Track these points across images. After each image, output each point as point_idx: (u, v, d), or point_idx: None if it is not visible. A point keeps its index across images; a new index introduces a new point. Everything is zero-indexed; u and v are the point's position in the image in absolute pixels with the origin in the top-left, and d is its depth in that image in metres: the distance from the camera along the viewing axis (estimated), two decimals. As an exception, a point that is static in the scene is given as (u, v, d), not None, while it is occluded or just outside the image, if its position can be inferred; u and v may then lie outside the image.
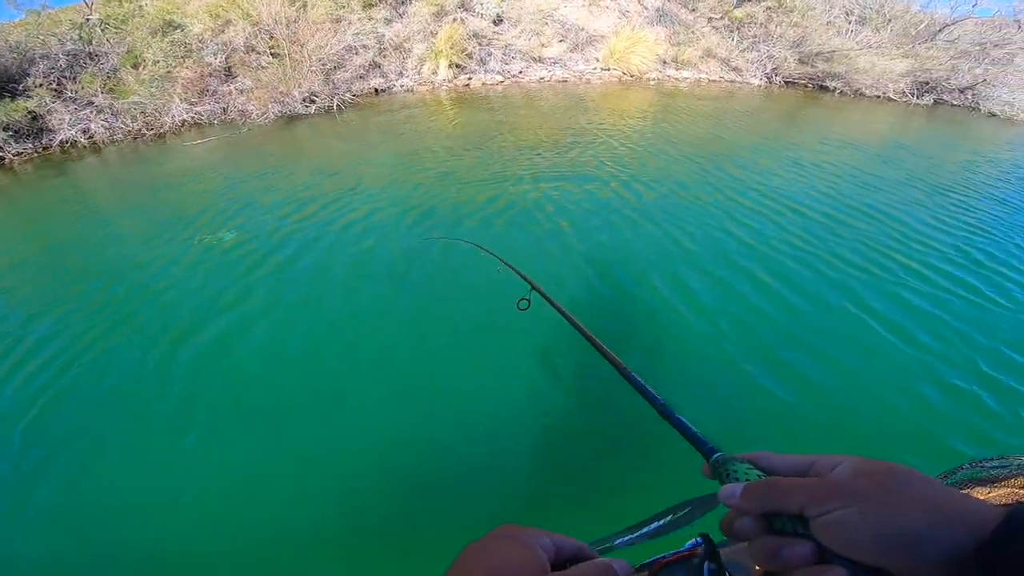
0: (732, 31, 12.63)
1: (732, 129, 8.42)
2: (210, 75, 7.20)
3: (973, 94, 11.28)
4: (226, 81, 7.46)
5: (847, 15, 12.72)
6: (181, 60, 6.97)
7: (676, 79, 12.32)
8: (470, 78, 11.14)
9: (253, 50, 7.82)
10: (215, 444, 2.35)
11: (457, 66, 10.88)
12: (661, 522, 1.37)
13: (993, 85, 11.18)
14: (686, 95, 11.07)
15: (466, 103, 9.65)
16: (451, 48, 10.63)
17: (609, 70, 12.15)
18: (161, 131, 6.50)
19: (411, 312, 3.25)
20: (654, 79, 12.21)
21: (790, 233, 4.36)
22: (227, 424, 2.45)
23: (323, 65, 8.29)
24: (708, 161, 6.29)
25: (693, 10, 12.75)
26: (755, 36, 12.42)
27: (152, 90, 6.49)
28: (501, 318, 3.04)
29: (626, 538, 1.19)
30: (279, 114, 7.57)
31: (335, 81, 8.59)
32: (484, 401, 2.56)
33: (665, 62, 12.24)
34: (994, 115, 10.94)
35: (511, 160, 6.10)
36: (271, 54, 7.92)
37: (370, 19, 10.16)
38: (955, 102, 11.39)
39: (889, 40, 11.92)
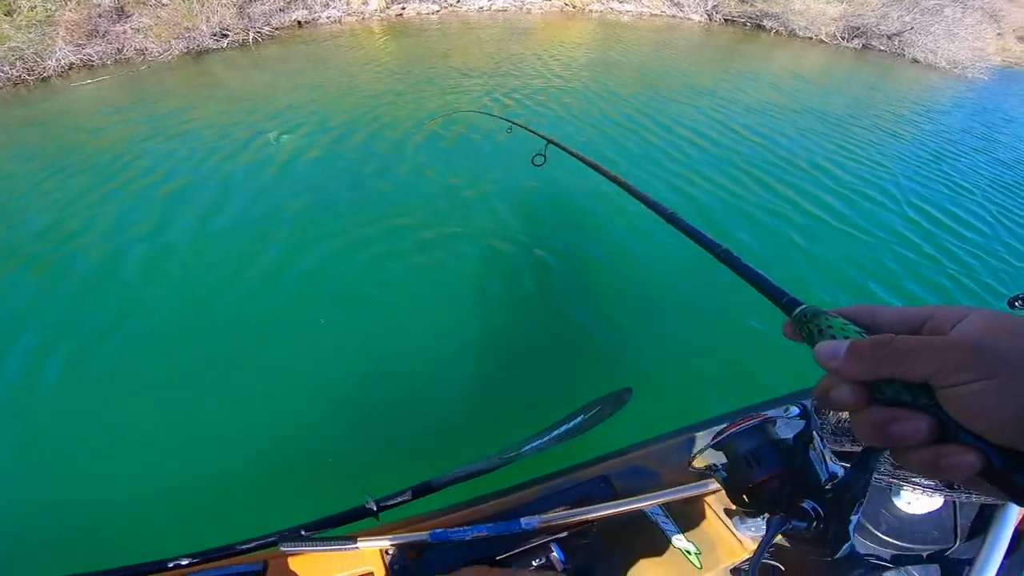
0: (672, -35, 12.30)
1: (668, 60, 8.69)
2: (99, 16, 6.70)
3: (900, 40, 11.54)
4: (119, 21, 6.98)
5: None
6: (63, 3, 6.45)
7: (618, 12, 12.13)
8: (404, 7, 10.62)
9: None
10: (155, 385, 2.35)
11: None
12: (571, 424, 1.37)
13: (919, 33, 11.43)
14: (627, 27, 11.00)
15: (400, 33, 9.33)
16: None
17: (550, 1, 11.83)
18: (44, 75, 6.16)
19: (340, 234, 3.40)
20: (596, 11, 12.02)
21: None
22: (163, 364, 2.45)
23: (234, -2, 7.79)
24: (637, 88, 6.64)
25: None
26: (695, -29, 12.15)
27: (30, 35, 6.07)
28: (434, 248, 3.31)
29: (534, 443, 1.21)
30: (185, 50, 7.18)
31: (251, 14, 8.10)
32: (425, 327, 2.74)
33: None
34: (917, 61, 11.30)
35: (450, 81, 6.29)
36: None
37: (287, -56, 9.38)
38: (882, 48, 11.64)
39: None
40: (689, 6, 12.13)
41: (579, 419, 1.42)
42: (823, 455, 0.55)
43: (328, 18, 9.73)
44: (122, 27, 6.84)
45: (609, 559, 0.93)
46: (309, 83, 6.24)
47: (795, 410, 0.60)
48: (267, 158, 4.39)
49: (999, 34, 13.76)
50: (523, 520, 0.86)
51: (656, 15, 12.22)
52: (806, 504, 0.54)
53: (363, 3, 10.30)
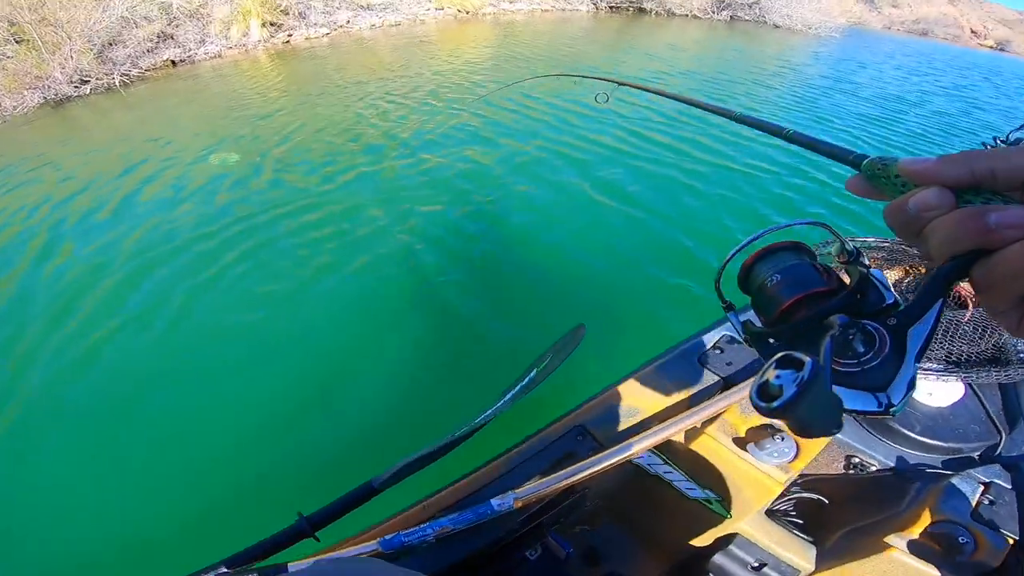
0: (555, -41, 12.75)
1: (561, 48, 8.87)
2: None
3: (760, 8, 12.73)
4: None
5: None
6: None
7: (511, 12, 12.33)
8: (290, 35, 9.97)
9: (-12, 42, 6.42)
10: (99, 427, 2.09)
11: (272, 24, 9.69)
12: (526, 380, 1.20)
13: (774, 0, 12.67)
14: (522, 24, 11.21)
15: (289, 58, 8.79)
16: (262, 5, 9.42)
17: (443, 9, 11.75)
18: None
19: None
20: (490, 13, 12.12)
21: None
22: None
23: (91, 43, 7.04)
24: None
25: None
26: (576, -37, 12.67)
27: None
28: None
29: (488, 412, 1.03)
30: (42, 100, 6.39)
31: (113, 59, 7.36)
32: (347, 315, 2.55)
33: None
34: (778, 27, 12.54)
35: (351, 97, 5.83)
36: (15, 40, 6.57)
37: (147, -14, 8.67)
38: (747, 17, 12.79)
39: None
40: (575, -2, 12.64)
41: (532, 373, 1.25)
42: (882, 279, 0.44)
43: (207, 54, 9.02)
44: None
45: (618, 533, 0.80)
46: (190, 117, 5.58)
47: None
48: (173, 187, 3.81)
49: None
50: (494, 501, 0.70)
51: (547, 10, 12.58)
52: (867, 324, 0.42)
53: (243, 35, 9.65)
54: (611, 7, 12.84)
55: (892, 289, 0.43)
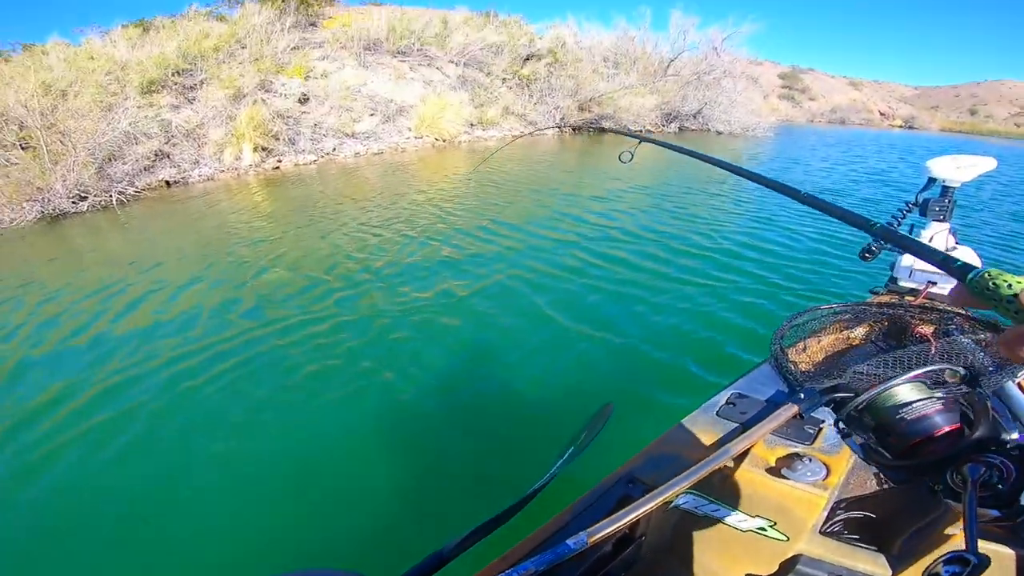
0: (523, 87, 14.57)
1: (532, 171, 9.60)
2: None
3: (702, 117, 14.79)
4: None
5: (604, 61, 15.60)
6: None
7: (484, 139, 13.60)
8: (280, 160, 10.54)
9: (-3, 144, 6.64)
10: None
11: (264, 149, 10.25)
12: (568, 453, 1.39)
13: (713, 107, 14.77)
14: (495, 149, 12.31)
15: (278, 184, 9.03)
16: (255, 130, 10.01)
17: (422, 138, 12.68)
18: None
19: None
20: (465, 141, 13.23)
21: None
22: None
23: (93, 156, 7.37)
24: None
25: (488, 73, 14.37)
26: (542, 90, 14.54)
27: None
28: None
29: (545, 477, 1.22)
30: (40, 214, 6.44)
31: (112, 175, 7.65)
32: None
33: (472, 124, 13.43)
34: (720, 133, 14.46)
35: (334, 226, 5.82)
36: (21, 147, 6.82)
37: (152, 105, 9.38)
38: (693, 127, 14.77)
39: (637, 80, 14.98)
40: (542, 122, 14.28)
41: (572, 448, 1.47)
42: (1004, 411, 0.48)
43: (200, 176, 9.39)
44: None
45: None
46: (179, 241, 5.53)
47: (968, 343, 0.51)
48: (154, 312, 3.70)
49: (765, 96, 18.32)
50: (570, 541, 0.75)
51: (517, 136, 14.07)
52: (991, 457, 0.46)
53: (236, 158, 10.17)
54: (574, 129, 14.60)
55: (1012, 416, 0.46)
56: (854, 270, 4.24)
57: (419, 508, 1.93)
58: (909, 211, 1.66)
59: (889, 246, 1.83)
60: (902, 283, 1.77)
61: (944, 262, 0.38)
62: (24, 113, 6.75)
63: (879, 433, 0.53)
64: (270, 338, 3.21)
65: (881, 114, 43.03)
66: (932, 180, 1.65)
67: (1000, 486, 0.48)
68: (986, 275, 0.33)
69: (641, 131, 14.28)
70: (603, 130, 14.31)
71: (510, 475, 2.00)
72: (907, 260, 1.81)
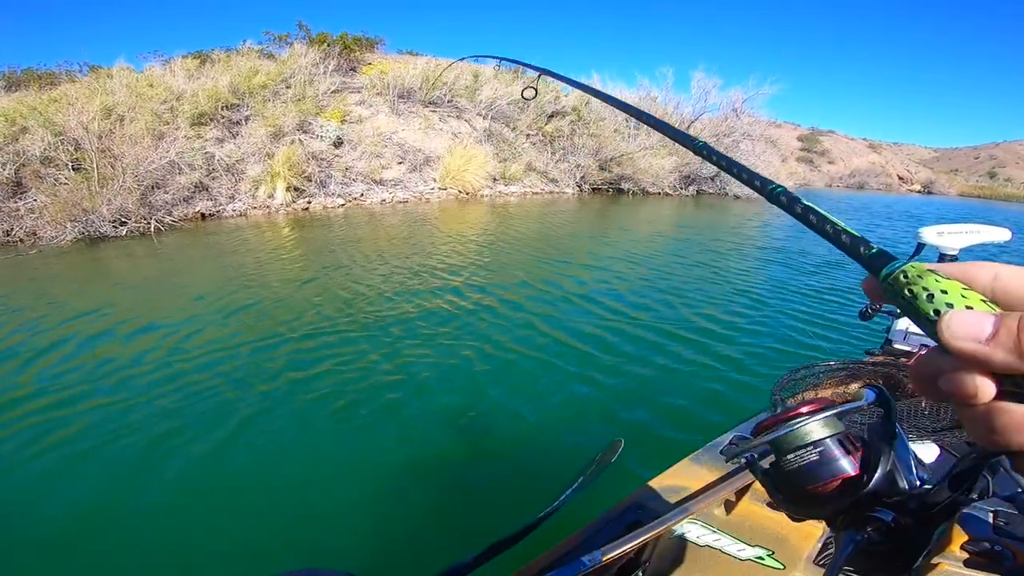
0: (546, 144, 14.95)
1: (551, 230, 9.90)
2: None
3: (720, 180, 15.19)
4: (14, 196, 6.26)
5: (626, 121, 15.68)
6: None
7: (506, 194, 13.77)
8: (310, 201, 10.84)
9: (51, 162, 6.76)
10: None
11: (296, 189, 10.58)
12: (577, 482, 1.41)
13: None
14: (516, 206, 12.47)
15: (305, 225, 9.12)
16: (289, 170, 10.36)
17: (446, 189, 12.97)
18: None
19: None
20: (487, 195, 13.44)
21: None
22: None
23: (139, 183, 7.50)
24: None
25: (514, 128, 14.82)
26: (564, 148, 14.90)
27: None
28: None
29: (554, 504, 1.24)
30: (80, 235, 6.45)
31: (153, 203, 7.77)
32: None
33: (495, 179, 13.69)
34: (738, 197, 14.84)
35: (360, 273, 5.79)
36: (73, 167, 6.94)
37: (199, 137, 9.66)
38: (710, 190, 15.17)
39: (657, 141, 15.15)
40: (563, 180, 14.70)
41: (581, 478, 1.56)
42: (907, 457, 0.45)
43: (234, 211, 9.59)
44: (15, 204, 6.06)
45: None
46: (207, 277, 5.56)
47: (870, 394, 0.47)
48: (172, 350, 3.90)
49: (783, 159, 18.75)
50: (585, 558, 0.81)
51: (537, 193, 14.42)
52: (880, 514, 0.44)
53: (269, 196, 10.39)
54: (593, 188, 14.99)
55: (918, 469, 0.44)
56: (851, 327, 4.54)
57: (439, 524, 2.10)
58: None
59: (886, 309, 1.91)
60: (897, 345, 1.90)
61: (852, 244, 0.29)
62: (83, 135, 6.95)
63: (775, 472, 0.53)
64: (295, 369, 3.33)
65: (900, 178, 42.79)
66: (921, 246, 1.73)
67: (892, 539, 0.45)
68: (905, 272, 0.25)
69: (660, 192, 14.66)
70: (621, 191, 14.73)
71: (525, 500, 2.17)
72: (902, 324, 1.95)
